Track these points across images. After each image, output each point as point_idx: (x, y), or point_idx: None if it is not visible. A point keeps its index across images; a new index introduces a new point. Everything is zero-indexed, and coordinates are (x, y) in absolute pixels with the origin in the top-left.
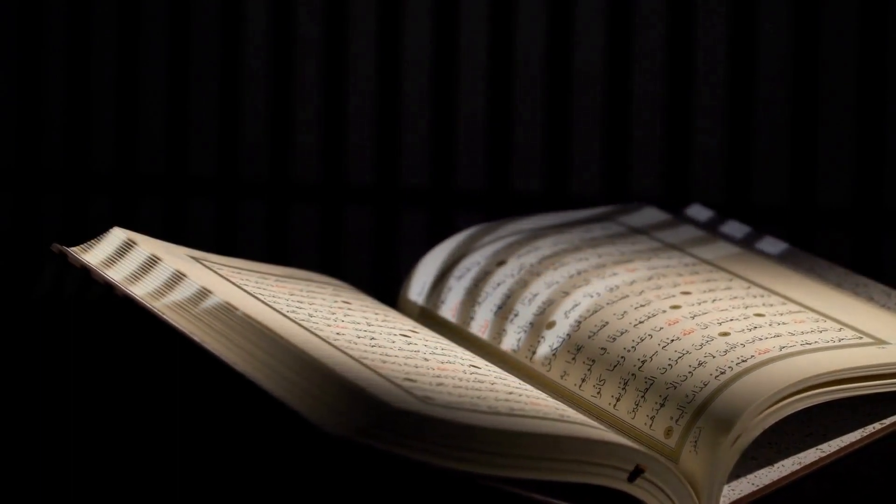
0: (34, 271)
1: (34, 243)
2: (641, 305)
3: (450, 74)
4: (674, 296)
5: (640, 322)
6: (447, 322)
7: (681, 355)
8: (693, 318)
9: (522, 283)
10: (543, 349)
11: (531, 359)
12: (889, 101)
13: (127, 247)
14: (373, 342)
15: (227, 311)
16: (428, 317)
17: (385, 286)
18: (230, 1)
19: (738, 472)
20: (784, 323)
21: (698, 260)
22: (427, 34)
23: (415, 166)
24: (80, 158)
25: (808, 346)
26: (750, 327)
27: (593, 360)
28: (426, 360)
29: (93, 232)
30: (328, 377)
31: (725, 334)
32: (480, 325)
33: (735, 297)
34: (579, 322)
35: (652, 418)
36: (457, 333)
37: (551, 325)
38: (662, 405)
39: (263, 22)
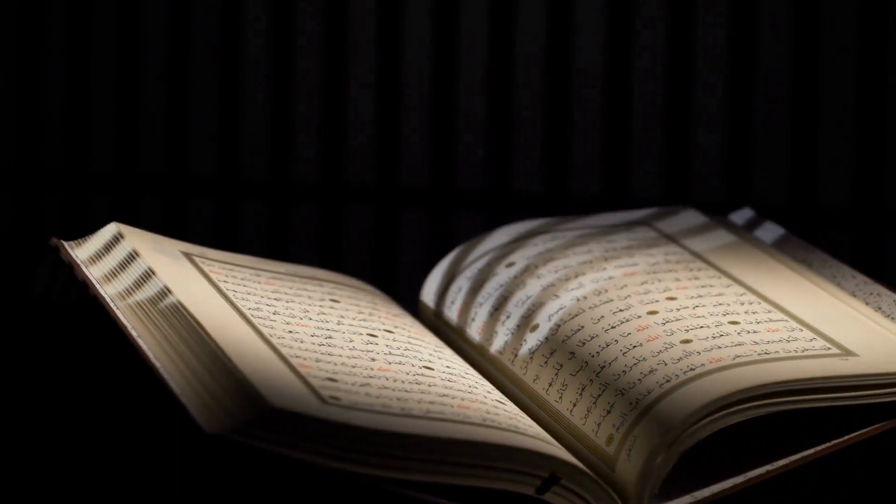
0: (34, 271)
1: (34, 243)
2: (620, 310)
3: (450, 74)
4: (657, 301)
5: (612, 327)
6: (449, 324)
7: (636, 362)
8: (664, 324)
9: (520, 285)
10: (523, 352)
11: (513, 361)
12: (889, 101)
13: (115, 241)
14: (325, 341)
15: (175, 310)
16: (439, 318)
17: (385, 286)
18: (230, 1)
19: (687, 484)
20: (755, 332)
21: (707, 265)
22: (427, 34)
23: (415, 166)
24: (80, 158)
25: (764, 356)
26: (716, 335)
27: (561, 365)
28: (373, 360)
29: (93, 232)
30: (228, 373)
31: (687, 342)
32: (478, 327)
33: (720, 304)
34: (558, 325)
35: (598, 425)
36: (458, 335)
37: (535, 327)
38: (609, 412)
39: (263, 22)
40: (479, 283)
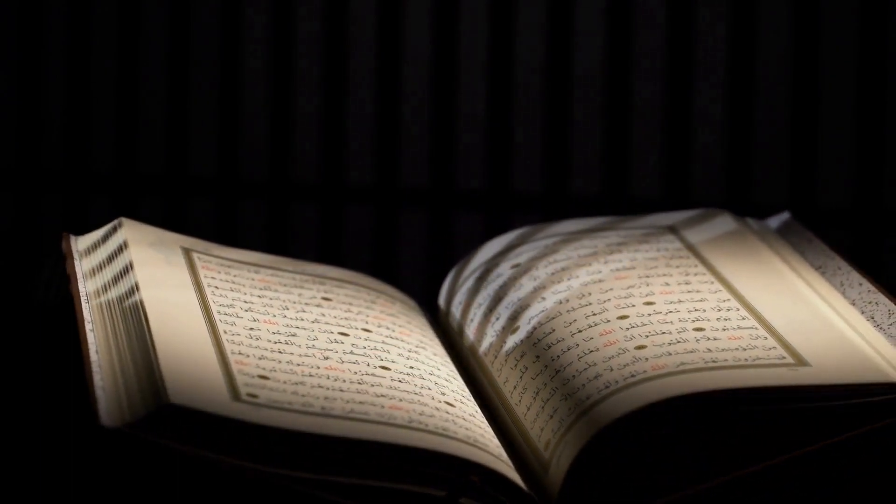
0: (34, 271)
1: (34, 243)
2: (593, 314)
3: (450, 74)
4: (633, 305)
5: (579, 331)
6: (452, 324)
7: (586, 367)
8: (628, 329)
9: (515, 286)
10: (501, 353)
11: (492, 363)
12: (889, 102)
13: (112, 236)
14: (286, 339)
15: (135, 307)
16: (447, 319)
17: None
18: (230, 1)
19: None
20: (716, 339)
21: (705, 269)
22: (427, 34)
23: (415, 166)
24: (80, 158)
25: (710, 364)
26: (673, 342)
27: (526, 368)
28: (326, 359)
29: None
30: (148, 369)
31: (641, 347)
32: (474, 328)
33: (695, 311)
34: (535, 328)
35: (542, 429)
36: (459, 335)
37: (515, 329)
38: (552, 416)
39: (263, 22)
40: (481, 284)
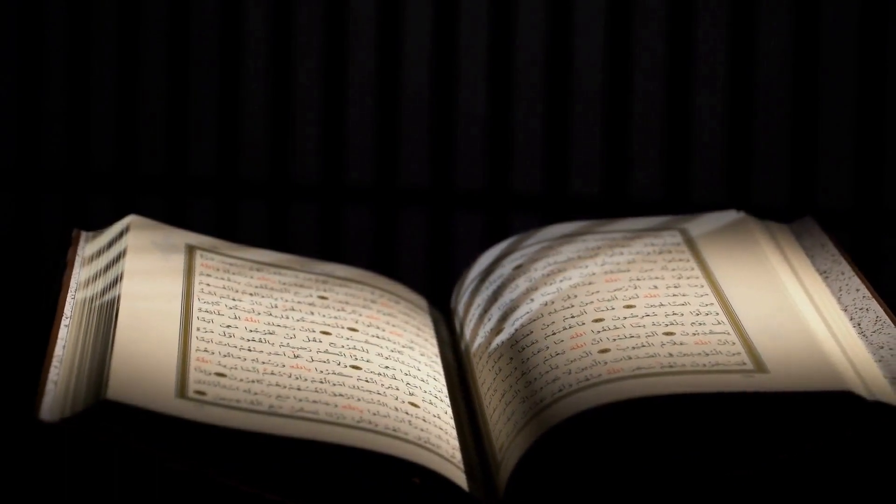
0: (34, 271)
1: (34, 243)
2: (571, 317)
3: (450, 74)
4: (612, 308)
5: (553, 334)
6: (455, 324)
7: (549, 370)
8: (599, 332)
9: (509, 287)
10: (485, 355)
11: (478, 364)
12: (889, 102)
13: (118, 232)
14: (261, 336)
15: (110, 303)
16: (454, 318)
17: None
18: (230, 1)
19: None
20: (682, 343)
21: (701, 272)
22: (427, 34)
23: (415, 166)
24: (80, 158)
25: (666, 369)
26: (637, 346)
27: (500, 369)
28: (296, 357)
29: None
30: (100, 365)
31: (605, 351)
32: (470, 328)
33: (672, 314)
34: (517, 329)
35: (500, 431)
36: (460, 336)
37: (500, 331)
38: (509, 418)
39: (263, 22)
40: (482, 284)
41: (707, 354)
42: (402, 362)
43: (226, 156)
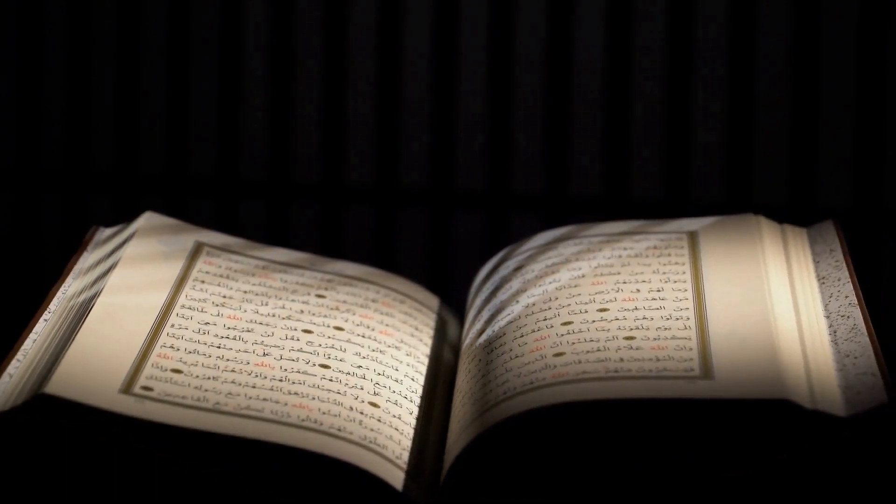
0: (34, 271)
1: (34, 243)
2: (545, 319)
3: (450, 74)
4: (585, 312)
5: (521, 336)
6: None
7: (504, 372)
8: (562, 336)
9: (503, 289)
10: (466, 356)
11: (460, 366)
12: (889, 102)
13: (127, 228)
14: (237, 334)
15: (89, 300)
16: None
17: None
18: (230, 1)
19: None
20: (639, 348)
21: (692, 273)
22: (427, 34)
23: (415, 166)
24: (80, 158)
25: (611, 374)
26: (591, 350)
27: (469, 371)
28: (264, 355)
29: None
30: (54, 359)
31: (560, 355)
32: (466, 329)
33: (643, 319)
34: (494, 331)
35: (452, 432)
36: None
37: (482, 332)
38: (459, 420)
39: (263, 21)
40: (483, 286)
41: (658, 360)
42: (380, 362)
43: (226, 156)
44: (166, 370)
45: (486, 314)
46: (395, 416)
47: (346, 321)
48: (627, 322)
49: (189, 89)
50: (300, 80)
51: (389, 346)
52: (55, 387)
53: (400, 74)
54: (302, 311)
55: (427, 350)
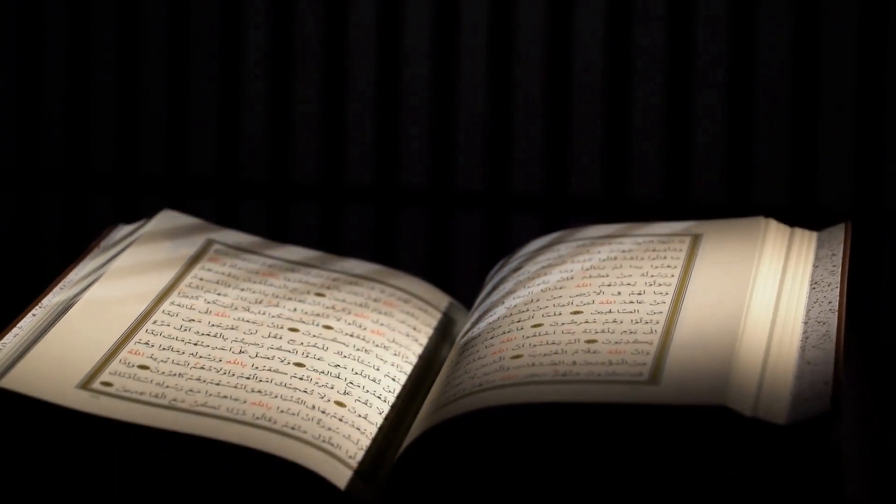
0: (34, 271)
1: (34, 243)
2: (519, 321)
3: (450, 74)
4: (559, 314)
5: (491, 338)
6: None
7: (462, 374)
8: (527, 338)
9: (497, 290)
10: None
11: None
12: (889, 101)
13: (141, 225)
14: (218, 331)
15: (74, 296)
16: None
17: None
18: (230, 1)
19: None
20: (596, 352)
21: (672, 282)
22: (427, 34)
23: (415, 166)
24: (80, 158)
25: (559, 378)
26: (550, 353)
27: (441, 372)
28: (240, 352)
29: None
30: (23, 353)
31: (517, 357)
32: (462, 330)
33: (611, 322)
34: (473, 333)
35: (409, 431)
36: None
37: (466, 334)
38: (415, 420)
39: (263, 22)
40: (485, 285)
41: (611, 364)
42: (362, 361)
43: (226, 156)
44: (133, 366)
45: (475, 315)
46: (360, 416)
47: (339, 320)
48: (596, 325)
49: (189, 89)
50: (300, 80)
51: (377, 346)
52: (11, 381)
53: (400, 74)
54: (295, 310)
55: (420, 350)
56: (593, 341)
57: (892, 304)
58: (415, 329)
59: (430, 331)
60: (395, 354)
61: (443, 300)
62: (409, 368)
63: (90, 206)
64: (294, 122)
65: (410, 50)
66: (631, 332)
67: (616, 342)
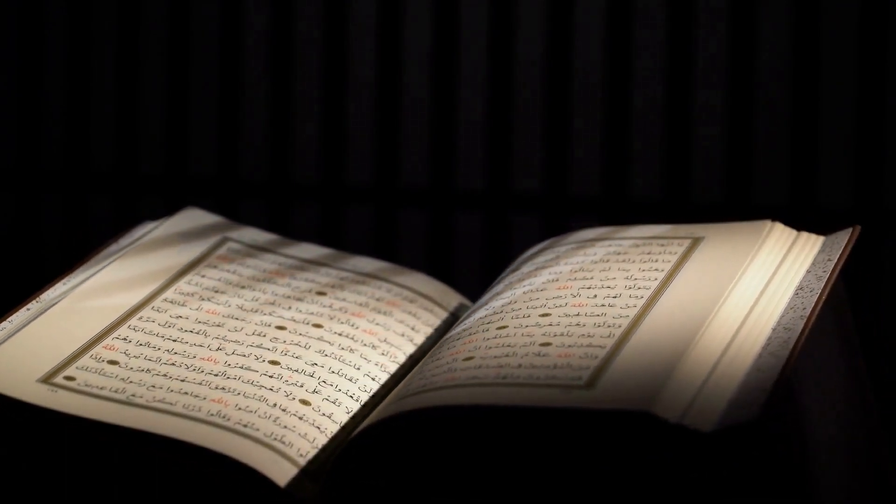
0: (34, 271)
1: (34, 243)
2: (488, 323)
3: (449, 75)
4: (528, 316)
5: (457, 339)
6: None
7: (415, 373)
8: (487, 339)
9: (490, 291)
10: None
11: None
12: (889, 102)
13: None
14: (202, 328)
15: (64, 294)
16: None
17: None
18: (230, 1)
19: None
20: (545, 355)
21: (651, 285)
22: (427, 34)
23: (415, 166)
24: (80, 158)
25: (499, 381)
26: (497, 356)
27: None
28: (218, 349)
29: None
30: None
31: (469, 359)
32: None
33: (574, 325)
34: (450, 335)
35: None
36: None
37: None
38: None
39: (263, 22)
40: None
41: (555, 367)
42: (343, 360)
43: (226, 156)
44: (102, 361)
45: (463, 315)
46: (324, 415)
47: (332, 319)
48: (558, 328)
49: (189, 89)
50: (300, 80)
51: (364, 346)
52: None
53: (400, 74)
54: (289, 308)
55: (411, 351)
56: (548, 344)
57: (892, 304)
58: (413, 329)
59: (429, 330)
60: (383, 354)
61: (453, 299)
62: (394, 368)
63: (90, 206)
64: (294, 122)
65: (410, 50)
66: (589, 336)
67: (570, 346)
